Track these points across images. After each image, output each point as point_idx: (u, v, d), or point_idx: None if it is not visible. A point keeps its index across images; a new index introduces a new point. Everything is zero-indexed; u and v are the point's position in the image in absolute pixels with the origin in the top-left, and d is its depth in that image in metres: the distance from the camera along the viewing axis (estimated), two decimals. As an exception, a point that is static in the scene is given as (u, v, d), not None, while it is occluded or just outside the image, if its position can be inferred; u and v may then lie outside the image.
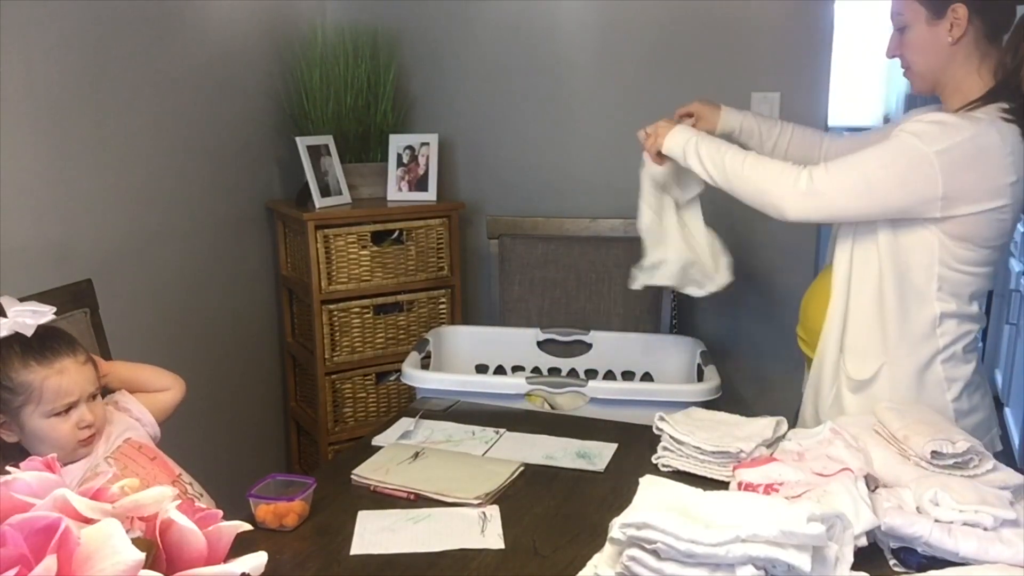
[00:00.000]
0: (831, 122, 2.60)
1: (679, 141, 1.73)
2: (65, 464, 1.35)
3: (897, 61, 1.65)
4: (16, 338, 1.32)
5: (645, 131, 1.83)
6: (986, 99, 1.53)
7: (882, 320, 1.59)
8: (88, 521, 0.76)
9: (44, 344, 1.34)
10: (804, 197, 1.54)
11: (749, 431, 1.54)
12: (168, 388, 1.59)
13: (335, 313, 2.56)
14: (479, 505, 1.41)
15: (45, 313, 1.36)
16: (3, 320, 1.33)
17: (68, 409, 1.35)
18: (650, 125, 1.83)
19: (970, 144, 1.46)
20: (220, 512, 0.85)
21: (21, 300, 1.41)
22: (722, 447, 1.48)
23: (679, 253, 1.87)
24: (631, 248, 2.56)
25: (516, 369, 2.43)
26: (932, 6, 1.53)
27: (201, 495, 1.49)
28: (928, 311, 1.56)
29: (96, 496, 0.80)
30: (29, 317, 1.34)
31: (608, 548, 1.14)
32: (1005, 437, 3.75)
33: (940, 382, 1.59)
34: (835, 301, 1.65)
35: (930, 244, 1.53)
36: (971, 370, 1.61)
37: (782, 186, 1.56)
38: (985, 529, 1.18)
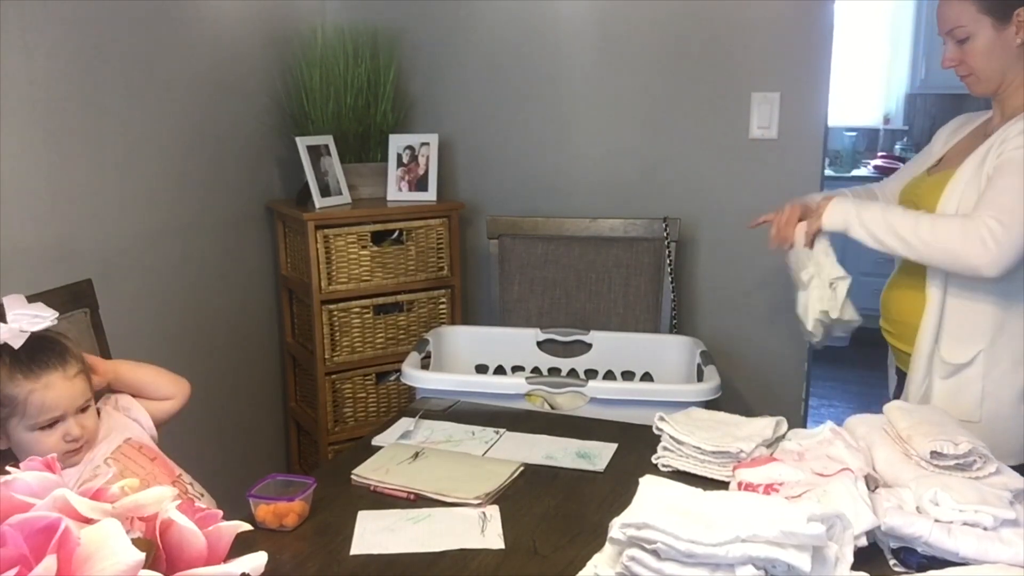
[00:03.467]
0: (831, 122, 2.60)
1: (840, 216, 1.72)
2: (67, 467, 1.35)
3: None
4: (5, 348, 1.31)
5: (777, 216, 1.84)
6: None
7: (983, 306, 1.63)
8: (88, 521, 0.76)
9: (33, 357, 1.32)
10: (999, 257, 1.53)
11: (749, 431, 1.54)
12: (172, 397, 1.56)
13: (335, 313, 2.56)
14: (479, 505, 1.41)
15: (45, 319, 1.35)
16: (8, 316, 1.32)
17: (54, 423, 1.33)
18: (779, 211, 1.84)
19: None
20: (220, 512, 0.85)
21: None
22: (722, 447, 1.48)
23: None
24: (631, 248, 2.57)
25: (516, 369, 2.43)
26: (998, 13, 1.61)
27: (202, 495, 1.49)
28: None
29: (96, 496, 0.80)
30: (27, 322, 1.33)
31: (608, 548, 1.14)
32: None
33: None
34: (932, 293, 1.68)
35: None
36: None
37: (973, 252, 1.55)
38: (985, 529, 1.18)
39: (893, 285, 1.86)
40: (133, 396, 1.54)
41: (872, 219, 1.67)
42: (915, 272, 1.73)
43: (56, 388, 1.33)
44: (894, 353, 1.89)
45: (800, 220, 1.84)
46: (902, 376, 1.83)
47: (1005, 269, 1.55)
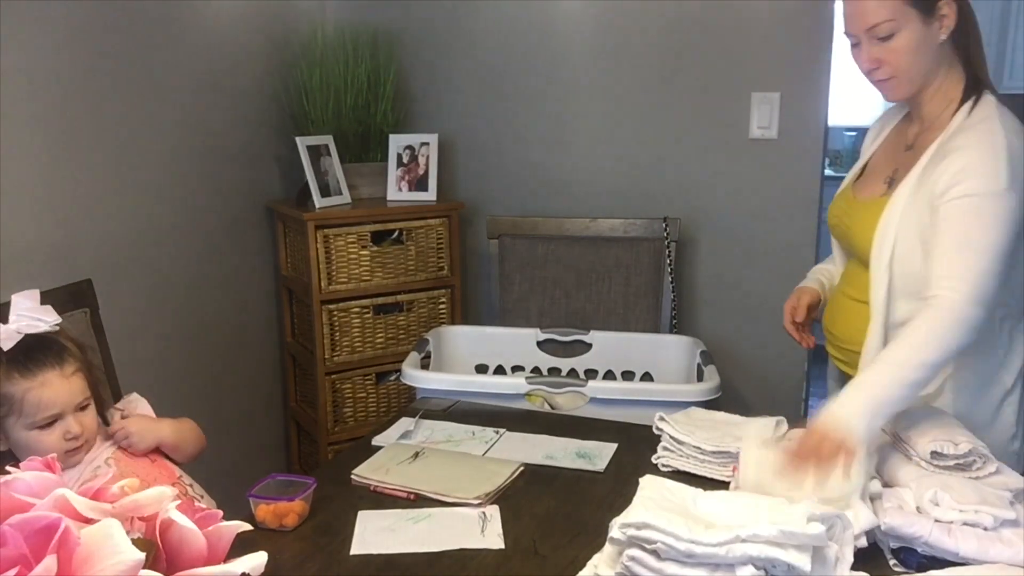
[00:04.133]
0: (831, 122, 2.60)
1: (867, 424, 1.35)
2: (68, 469, 1.34)
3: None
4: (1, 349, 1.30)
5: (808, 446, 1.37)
6: (967, 94, 1.55)
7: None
8: (88, 521, 0.76)
9: (29, 356, 1.32)
10: (976, 310, 1.41)
11: (749, 431, 1.54)
12: (193, 457, 1.54)
13: (335, 313, 2.56)
14: (479, 505, 1.41)
15: (45, 324, 1.34)
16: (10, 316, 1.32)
17: (52, 422, 1.32)
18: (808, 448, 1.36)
19: (1010, 149, 1.46)
20: (220, 512, 0.85)
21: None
22: (722, 447, 1.48)
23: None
24: (631, 248, 2.57)
25: (516, 369, 2.43)
26: (924, 6, 1.51)
27: (201, 496, 1.49)
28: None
29: (96, 496, 0.80)
30: (26, 324, 1.32)
31: (608, 548, 1.14)
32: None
33: (1005, 392, 1.56)
34: (874, 333, 1.56)
35: None
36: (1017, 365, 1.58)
37: (960, 332, 1.41)
38: (985, 529, 1.18)
39: (836, 309, 1.74)
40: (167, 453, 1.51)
41: (892, 399, 1.39)
42: (859, 296, 1.63)
43: (53, 386, 1.32)
44: (843, 374, 1.72)
45: (808, 305, 1.77)
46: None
47: (986, 306, 1.43)
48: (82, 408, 1.37)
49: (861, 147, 1.83)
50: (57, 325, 1.36)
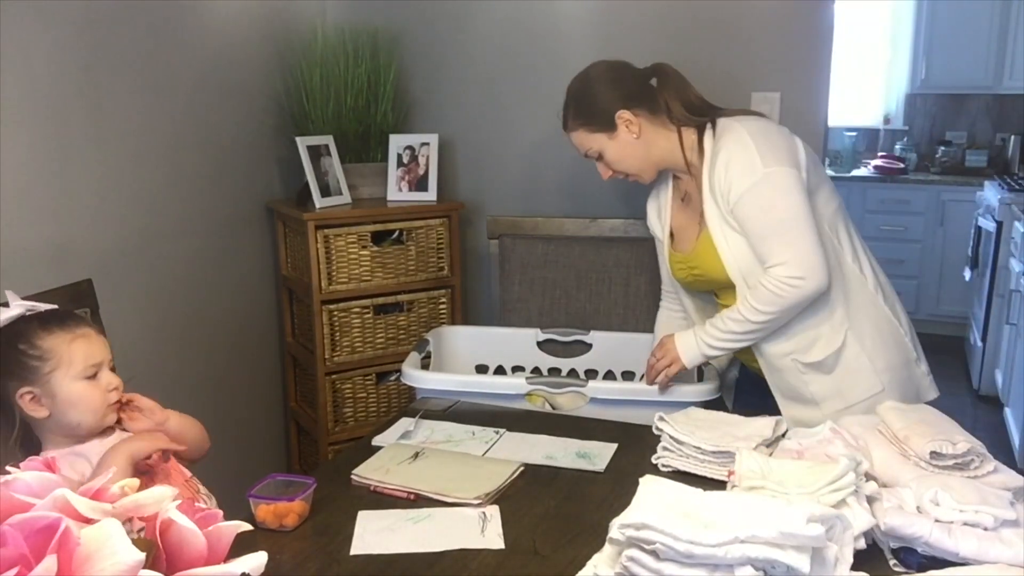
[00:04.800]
0: (831, 122, 2.60)
1: (693, 351, 1.81)
2: (83, 440, 1.36)
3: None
4: (30, 314, 1.34)
5: (653, 358, 1.88)
6: (701, 131, 1.78)
7: (820, 300, 1.71)
8: (88, 521, 0.76)
9: (60, 315, 1.37)
10: (808, 281, 1.66)
11: (749, 431, 1.54)
12: (197, 458, 1.55)
13: (335, 313, 2.56)
14: (479, 505, 1.41)
15: (48, 306, 1.38)
16: (16, 303, 1.35)
17: (95, 373, 1.35)
18: (652, 355, 1.89)
19: (755, 138, 1.68)
20: (220, 512, 0.85)
21: (23, 299, 1.41)
22: (722, 447, 1.48)
23: None
24: (631, 248, 2.57)
25: (516, 369, 2.43)
26: (603, 127, 1.81)
27: (209, 497, 1.49)
28: (846, 260, 1.75)
29: (96, 496, 0.80)
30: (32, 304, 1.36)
31: (607, 548, 1.14)
32: (1005, 437, 3.74)
33: (888, 317, 1.76)
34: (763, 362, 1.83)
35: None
36: (892, 292, 1.82)
37: (792, 295, 1.67)
38: (985, 529, 1.18)
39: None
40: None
41: (714, 336, 1.77)
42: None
43: (92, 338, 1.36)
44: (747, 367, 1.97)
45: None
46: (756, 381, 1.89)
47: (824, 273, 1.66)
48: (112, 368, 1.40)
49: (650, 227, 2.04)
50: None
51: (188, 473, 1.48)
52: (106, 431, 1.39)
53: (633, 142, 1.81)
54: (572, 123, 1.87)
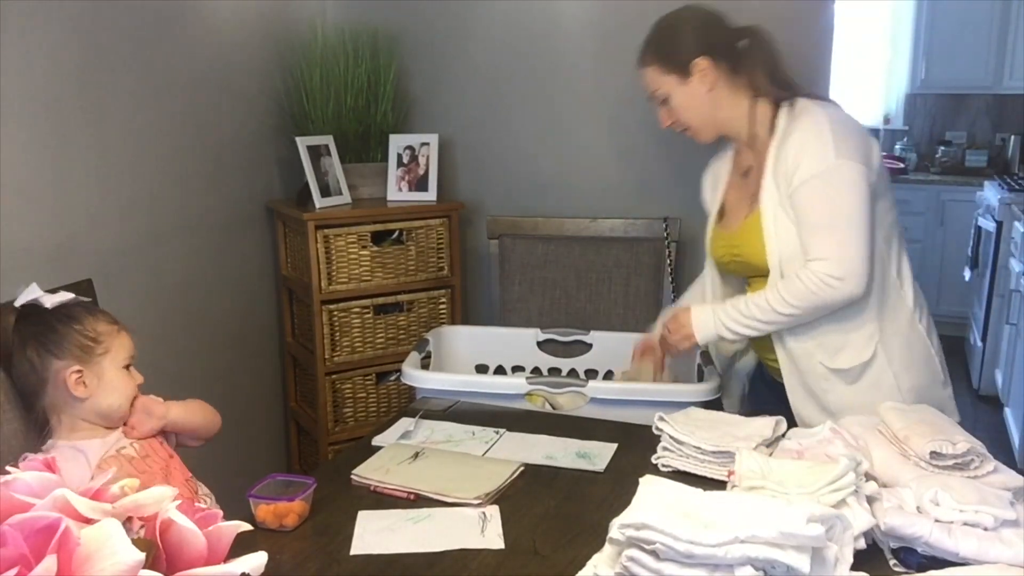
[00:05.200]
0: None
1: (709, 329, 1.76)
2: (104, 428, 1.42)
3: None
4: (74, 300, 1.43)
5: (666, 330, 1.85)
6: (776, 108, 1.70)
7: (858, 309, 1.66)
8: (88, 521, 0.76)
9: (98, 309, 1.47)
10: (845, 283, 1.59)
11: (749, 431, 1.54)
12: (211, 437, 1.62)
13: (335, 313, 2.56)
14: (479, 505, 1.41)
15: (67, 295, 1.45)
16: (59, 290, 1.43)
17: (129, 366, 1.45)
18: (665, 327, 1.86)
19: (834, 126, 1.61)
20: (220, 512, 0.85)
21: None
22: (722, 447, 1.48)
23: None
24: (631, 248, 2.57)
25: (516, 369, 2.43)
26: (678, 70, 1.73)
27: (209, 496, 1.50)
28: (891, 274, 1.70)
29: (96, 496, 0.80)
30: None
31: (607, 548, 1.14)
32: (1005, 437, 3.74)
33: (923, 338, 1.71)
34: (785, 370, 1.76)
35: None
36: (928, 311, 1.77)
37: (829, 294, 1.61)
38: (985, 529, 1.18)
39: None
40: (177, 439, 1.56)
41: (733, 318, 1.71)
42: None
43: (127, 335, 1.47)
44: (765, 364, 1.90)
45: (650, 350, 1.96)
46: (771, 384, 1.86)
47: (865, 280, 1.60)
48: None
49: (703, 199, 1.99)
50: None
51: (188, 473, 1.49)
52: (108, 430, 1.41)
53: (703, 94, 1.73)
54: (648, 58, 1.77)
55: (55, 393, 1.38)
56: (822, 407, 1.72)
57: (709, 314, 1.75)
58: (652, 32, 1.79)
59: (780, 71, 1.74)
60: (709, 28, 1.74)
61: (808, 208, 1.61)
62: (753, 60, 1.73)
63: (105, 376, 1.41)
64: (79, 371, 1.38)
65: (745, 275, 1.84)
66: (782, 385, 1.79)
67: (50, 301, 1.40)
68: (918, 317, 1.72)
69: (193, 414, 1.56)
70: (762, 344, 1.81)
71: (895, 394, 1.66)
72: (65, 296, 1.42)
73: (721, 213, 1.88)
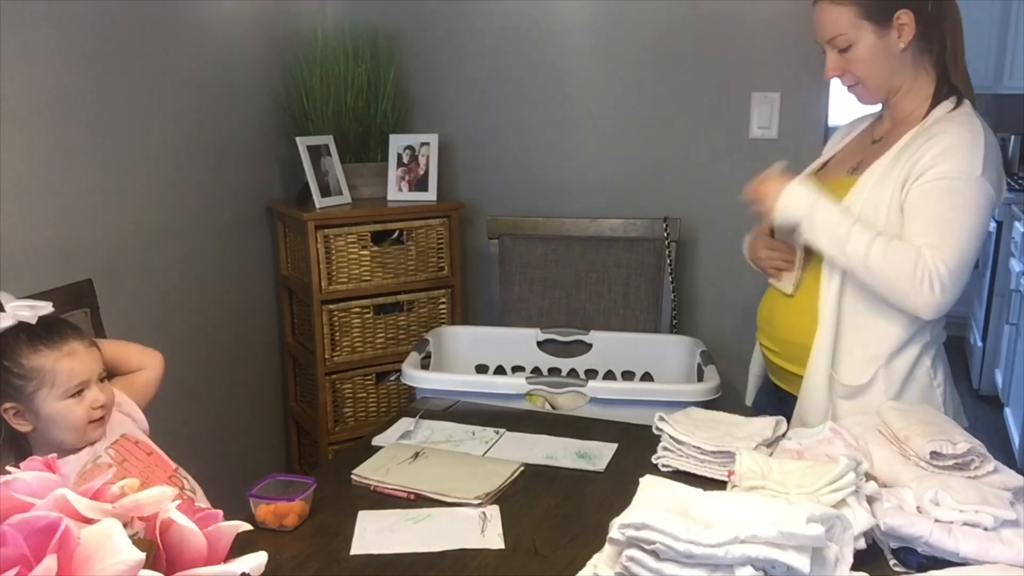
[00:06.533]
0: (831, 122, 2.60)
1: (796, 207, 1.58)
2: (68, 454, 1.36)
3: None
4: (20, 327, 1.33)
5: (759, 185, 1.66)
6: (940, 94, 1.59)
7: (883, 327, 1.59)
8: (88, 521, 0.76)
9: (50, 329, 1.36)
10: (942, 304, 1.51)
11: (749, 431, 1.54)
12: (144, 367, 1.57)
13: (335, 313, 2.56)
14: (479, 505, 1.41)
15: (43, 308, 1.37)
16: (2, 313, 1.34)
17: (80, 391, 1.35)
18: (760, 180, 1.66)
19: (988, 143, 1.51)
20: (220, 512, 0.85)
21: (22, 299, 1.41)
22: (722, 447, 1.48)
23: None
24: (631, 248, 2.57)
25: (516, 369, 2.43)
26: (879, 18, 1.55)
27: (195, 490, 1.49)
28: None
29: (96, 496, 0.80)
30: (27, 311, 1.35)
31: (607, 548, 1.14)
32: (1005, 437, 3.74)
33: (927, 371, 1.64)
34: (827, 316, 1.61)
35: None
36: (940, 352, 1.68)
37: (918, 293, 1.49)
38: (985, 529, 1.18)
39: (777, 302, 1.76)
40: (113, 373, 1.53)
41: (828, 220, 1.54)
42: (805, 291, 1.67)
43: (80, 355, 1.36)
44: (772, 370, 1.81)
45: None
46: (774, 393, 1.80)
47: (942, 313, 1.53)
48: (101, 379, 1.40)
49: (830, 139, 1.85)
50: (52, 309, 1.39)
51: (171, 468, 1.48)
52: (95, 436, 1.39)
53: (893, 52, 1.56)
54: None
55: (6, 424, 1.34)
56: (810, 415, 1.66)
57: (810, 194, 1.57)
58: None
59: (962, 61, 1.60)
60: None
61: (935, 204, 1.50)
62: (943, 31, 1.58)
63: (42, 412, 1.33)
64: (14, 408, 1.32)
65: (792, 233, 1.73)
66: (783, 390, 1.77)
67: None
68: (931, 347, 1.65)
69: (123, 348, 1.55)
70: (781, 378, 1.75)
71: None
72: (8, 321, 1.32)
73: (824, 164, 1.78)
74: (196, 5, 2.42)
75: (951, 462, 1.30)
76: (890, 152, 1.59)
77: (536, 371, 2.40)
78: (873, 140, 1.69)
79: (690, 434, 1.52)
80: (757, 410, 1.91)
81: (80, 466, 1.35)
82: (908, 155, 1.55)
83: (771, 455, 1.43)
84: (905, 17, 1.54)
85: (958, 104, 1.57)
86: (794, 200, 1.58)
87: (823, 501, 1.18)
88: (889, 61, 1.58)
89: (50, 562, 0.70)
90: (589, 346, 2.41)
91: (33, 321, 1.34)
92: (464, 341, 2.45)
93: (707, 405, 1.76)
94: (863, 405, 1.61)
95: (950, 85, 1.59)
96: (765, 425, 1.56)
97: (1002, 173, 1.55)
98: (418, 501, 1.43)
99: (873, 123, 1.75)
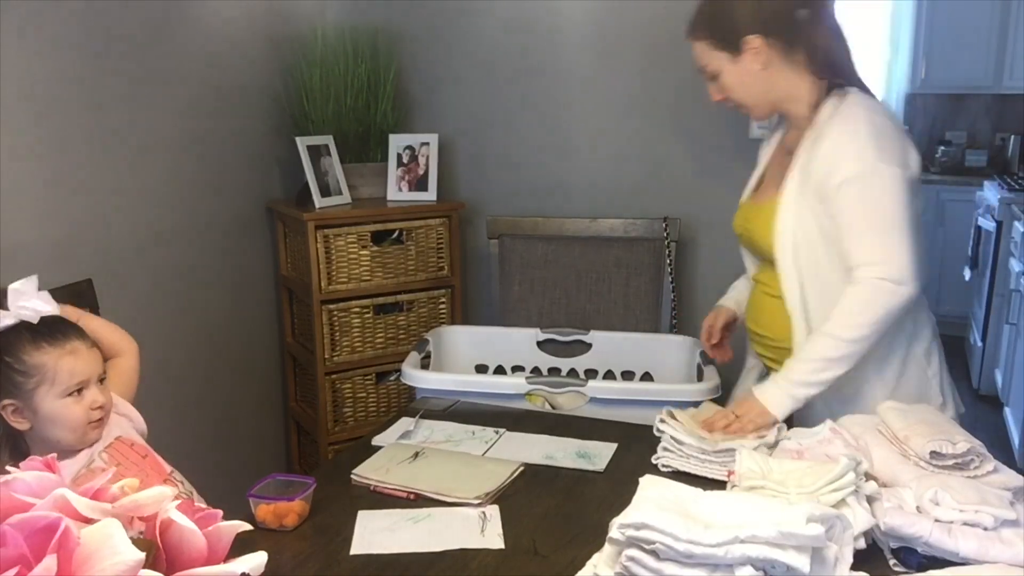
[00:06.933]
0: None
1: (783, 403, 1.57)
2: (65, 455, 1.35)
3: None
4: (23, 324, 1.34)
5: (733, 416, 1.59)
6: (822, 93, 1.62)
7: None
8: (88, 521, 0.76)
9: (53, 328, 1.36)
10: (904, 286, 1.52)
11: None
12: (122, 353, 1.56)
13: (335, 313, 2.56)
14: (479, 505, 1.41)
15: (49, 308, 1.38)
16: (5, 312, 1.34)
17: (80, 390, 1.36)
18: (735, 413, 1.60)
19: (872, 128, 1.54)
20: (220, 512, 0.85)
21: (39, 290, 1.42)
22: (728, 440, 1.48)
23: None
24: (631, 248, 2.57)
25: (516, 369, 2.43)
26: (729, 47, 1.62)
27: (191, 493, 1.48)
28: None
29: (96, 496, 0.80)
30: (29, 311, 1.35)
31: (607, 548, 1.14)
32: (1005, 437, 3.74)
33: (919, 361, 1.65)
34: (797, 326, 1.64)
35: None
36: (932, 342, 1.69)
37: (889, 301, 1.52)
38: (985, 529, 1.18)
39: (759, 305, 1.79)
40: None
41: (803, 373, 1.56)
42: (777, 292, 1.68)
43: (81, 354, 1.36)
44: (766, 365, 1.82)
45: (725, 324, 1.92)
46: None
47: (917, 280, 1.53)
48: (101, 380, 1.40)
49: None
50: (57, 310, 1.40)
51: (166, 470, 1.47)
52: (93, 437, 1.39)
53: (756, 73, 1.62)
54: (697, 31, 1.65)
55: (5, 424, 1.34)
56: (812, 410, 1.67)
57: (773, 388, 1.57)
58: (703, 2, 1.67)
59: (842, 51, 1.64)
60: (764, 1, 1.61)
61: (849, 211, 1.54)
62: (811, 34, 1.61)
63: (40, 410, 1.33)
64: (13, 405, 1.32)
65: (753, 254, 1.80)
66: None
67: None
68: (917, 337, 1.67)
69: (107, 325, 1.55)
70: (767, 349, 1.78)
71: (872, 407, 1.60)
72: (10, 319, 1.33)
73: (760, 183, 1.81)
74: (196, 5, 2.42)
75: (951, 462, 1.30)
76: (795, 165, 1.64)
77: (536, 371, 2.40)
78: (787, 152, 1.73)
79: (692, 432, 1.52)
80: None
81: (76, 470, 1.35)
82: (807, 161, 1.60)
83: (771, 455, 1.43)
84: (754, 41, 1.60)
85: (844, 95, 1.60)
86: (774, 400, 1.57)
87: (823, 501, 1.18)
88: (756, 81, 1.63)
89: (50, 562, 0.70)
90: (589, 346, 2.41)
91: (35, 321, 1.34)
92: (464, 341, 2.44)
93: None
94: (860, 407, 1.61)
95: (833, 81, 1.62)
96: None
97: (905, 144, 1.57)
98: (418, 501, 1.43)
99: (783, 135, 1.79)
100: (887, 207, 1.52)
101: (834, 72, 1.62)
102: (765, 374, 1.81)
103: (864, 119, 1.55)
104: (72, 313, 1.49)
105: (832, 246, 1.58)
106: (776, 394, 1.56)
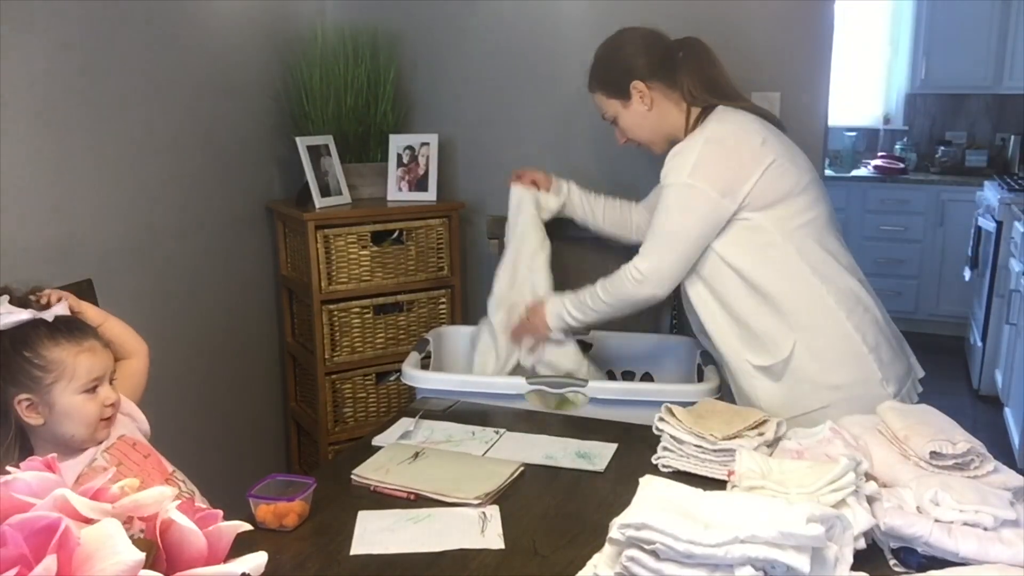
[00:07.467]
0: (831, 122, 2.60)
1: (556, 319, 1.98)
2: (74, 452, 1.37)
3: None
4: (40, 321, 1.35)
5: (525, 319, 2.06)
6: (702, 111, 1.83)
7: (769, 309, 1.75)
8: (88, 521, 0.76)
9: (70, 326, 1.38)
10: (645, 284, 1.81)
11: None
12: (134, 354, 1.57)
13: (335, 313, 2.56)
14: (479, 505, 1.41)
15: (58, 308, 1.40)
16: (22, 308, 1.36)
17: (95, 387, 1.37)
18: (524, 320, 2.07)
19: (706, 147, 1.74)
20: (220, 512, 0.85)
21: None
22: (726, 440, 1.48)
23: None
24: (631, 248, 2.56)
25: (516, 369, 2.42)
26: (618, 94, 1.89)
27: (193, 492, 1.48)
28: (804, 274, 1.74)
29: (96, 496, 0.80)
30: (37, 312, 1.37)
31: (607, 548, 1.14)
32: (1005, 437, 3.74)
33: (849, 335, 1.72)
34: (712, 327, 1.86)
35: (759, 226, 1.74)
36: (865, 317, 1.76)
37: (628, 289, 1.83)
38: (985, 529, 1.18)
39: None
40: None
41: (575, 307, 1.94)
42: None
43: (98, 352, 1.38)
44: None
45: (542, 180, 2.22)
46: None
47: (661, 291, 1.82)
48: (111, 380, 1.42)
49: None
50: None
51: (168, 470, 1.48)
52: (102, 436, 1.39)
53: (645, 113, 1.88)
54: (592, 85, 1.94)
55: (17, 419, 1.34)
56: (756, 407, 1.72)
57: (559, 304, 1.97)
58: (594, 60, 1.94)
59: (715, 78, 1.85)
60: (645, 49, 1.88)
61: (656, 211, 1.81)
62: (688, 70, 1.84)
63: (56, 405, 1.34)
64: (29, 399, 1.33)
65: None
66: None
67: (7, 319, 1.33)
68: (844, 315, 1.73)
69: (125, 328, 1.57)
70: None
71: (821, 391, 1.72)
72: (26, 314, 1.34)
73: None
74: (196, 5, 2.42)
75: (951, 462, 1.30)
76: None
77: (536, 371, 2.39)
78: None
79: (693, 424, 1.52)
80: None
81: (79, 469, 1.35)
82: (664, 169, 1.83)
83: (771, 455, 1.43)
84: (640, 86, 1.86)
85: (711, 113, 1.80)
86: (551, 311, 1.99)
87: (823, 501, 1.18)
88: (647, 121, 1.89)
89: (50, 562, 0.70)
90: (589, 346, 2.41)
91: (50, 319, 1.36)
92: (464, 341, 2.44)
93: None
94: (793, 379, 1.74)
95: (710, 102, 1.82)
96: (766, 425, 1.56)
97: (733, 169, 1.73)
98: (418, 501, 1.43)
99: None
100: (675, 218, 1.77)
101: (711, 96, 1.83)
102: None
103: (704, 137, 1.76)
104: (96, 316, 1.50)
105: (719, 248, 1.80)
106: (552, 310, 1.98)
